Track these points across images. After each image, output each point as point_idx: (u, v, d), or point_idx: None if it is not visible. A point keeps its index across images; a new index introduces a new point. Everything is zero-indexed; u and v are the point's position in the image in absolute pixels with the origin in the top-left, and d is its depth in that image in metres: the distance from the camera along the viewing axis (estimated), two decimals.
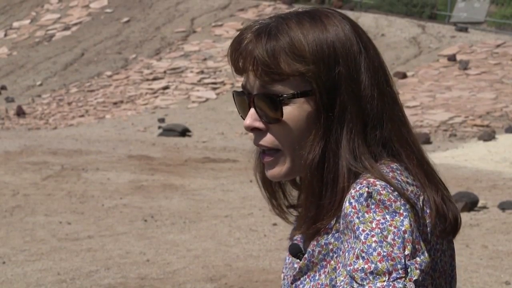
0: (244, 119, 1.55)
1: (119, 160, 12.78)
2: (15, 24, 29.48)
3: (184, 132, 16.57)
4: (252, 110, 1.52)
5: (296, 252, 1.56)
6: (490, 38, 24.10)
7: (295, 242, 1.59)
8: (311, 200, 1.50)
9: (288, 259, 1.60)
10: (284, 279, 1.60)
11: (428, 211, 1.45)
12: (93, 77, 23.81)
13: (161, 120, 18.07)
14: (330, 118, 1.48)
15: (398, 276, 1.36)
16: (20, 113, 20.56)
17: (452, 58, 21.98)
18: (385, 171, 1.45)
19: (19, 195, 10.16)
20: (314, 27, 1.49)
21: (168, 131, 16.57)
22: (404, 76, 20.71)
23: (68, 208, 9.42)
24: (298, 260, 1.55)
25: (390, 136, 1.50)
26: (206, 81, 22.21)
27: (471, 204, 9.38)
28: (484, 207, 9.56)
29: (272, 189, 1.63)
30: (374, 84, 1.50)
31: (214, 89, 21.66)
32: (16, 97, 22.66)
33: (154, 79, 22.89)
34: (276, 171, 1.53)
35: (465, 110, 17.64)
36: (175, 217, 9.13)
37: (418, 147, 1.54)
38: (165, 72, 23.30)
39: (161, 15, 27.93)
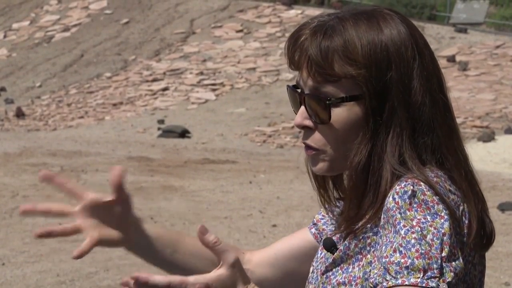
0: (296, 114, 1.56)
1: (118, 161, 12.78)
2: (15, 26, 29.49)
3: (183, 134, 16.57)
4: (303, 109, 1.53)
5: (330, 246, 1.56)
6: (490, 39, 24.11)
7: (330, 236, 1.59)
8: (354, 202, 1.50)
9: (321, 253, 1.61)
10: (313, 272, 1.60)
11: (466, 221, 1.45)
12: (93, 79, 23.81)
13: (161, 122, 18.07)
14: (378, 122, 1.48)
15: (432, 275, 1.37)
16: (20, 114, 20.56)
17: (451, 59, 22.00)
18: (430, 176, 1.45)
19: (18, 197, 10.16)
20: (369, 29, 1.49)
21: (168, 133, 16.57)
22: None
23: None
24: (331, 254, 1.55)
25: (440, 143, 1.50)
26: (205, 82, 22.21)
27: None
28: None
29: (322, 179, 1.64)
30: (426, 91, 1.49)
31: (214, 90, 21.67)
32: (15, 99, 22.67)
33: (154, 80, 22.90)
34: (319, 167, 1.55)
35: (464, 111, 17.65)
36: (175, 218, 9.13)
37: (466, 157, 1.53)
38: (164, 73, 23.30)
39: (161, 16, 27.93)
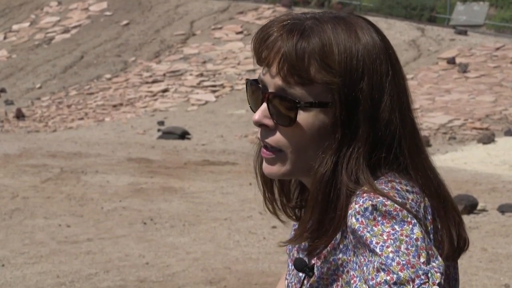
0: (253, 111, 1.50)
1: (118, 163, 12.78)
2: (15, 27, 29.49)
3: (183, 135, 16.57)
4: (264, 106, 1.47)
5: (302, 266, 1.54)
6: (490, 41, 24.12)
7: (300, 256, 1.57)
8: (315, 214, 1.46)
9: (291, 266, 1.59)
10: (288, 286, 1.59)
11: (429, 217, 1.44)
12: (93, 80, 23.81)
13: (161, 123, 18.07)
14: (345, 134, 1.44)
15: (421, 282, 1.35)
16: (20, 115, 20.56)
17: (451, 61, 22.01)
18: (383, 185, 1.42)
19: (18, 198, 10.16)
20: (347, 37, 1.44)
21: (168, 134, 16.57)
22: None
23: (68, 211, 9.42)
24: (303, 274, 1.53)
25: (407, 164, 1.46)
26: (205, 84, 22.22)
27: (471, 207, 9.38)
28: (484, 210, 9.56)
29: (270, 184, 1.60)
30: (396, 108, 1.45)
31: (214, 91, 21.67)
32: (15, 100, 22.67)
33: (154, 82, 22.90)
34: (275, 170, 1.49)
35: (464, 113, 17.65)
36: (175, 220, 9.12)
37: (436, 175, 1.50)
38: (164, 75, 23.31)
39: (161, 18, 27.94)
